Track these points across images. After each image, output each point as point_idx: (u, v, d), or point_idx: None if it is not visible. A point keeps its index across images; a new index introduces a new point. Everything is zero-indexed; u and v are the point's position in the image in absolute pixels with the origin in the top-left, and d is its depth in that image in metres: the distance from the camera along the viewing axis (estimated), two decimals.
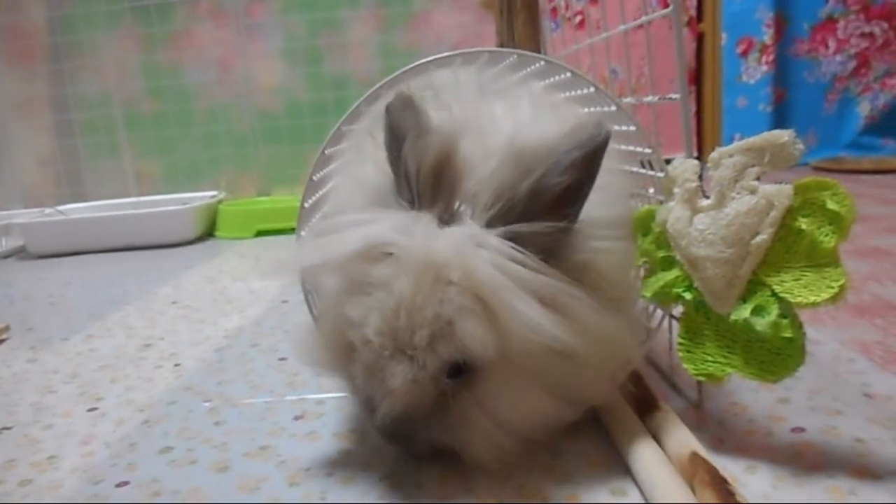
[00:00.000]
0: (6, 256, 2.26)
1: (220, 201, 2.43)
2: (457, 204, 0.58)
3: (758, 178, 0.58)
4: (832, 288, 0.53)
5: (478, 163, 0.60)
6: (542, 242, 0.56)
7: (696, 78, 2.90)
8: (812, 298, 0.54)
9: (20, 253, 2.28)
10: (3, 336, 1.24)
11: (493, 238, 0.55)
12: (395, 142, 0.61)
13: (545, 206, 0.57)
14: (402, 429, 0.58)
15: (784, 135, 0.56)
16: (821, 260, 0.54)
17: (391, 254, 0.55)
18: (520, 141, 0.58)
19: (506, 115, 0.69)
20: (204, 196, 2.44)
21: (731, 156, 0.59)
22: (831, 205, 0.54)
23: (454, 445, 0.60)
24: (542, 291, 0.54)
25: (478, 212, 0.57)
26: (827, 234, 0.54)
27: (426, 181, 0.58)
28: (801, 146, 0.56)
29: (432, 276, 0.54)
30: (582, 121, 0.58)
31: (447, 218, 0.58)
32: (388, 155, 0.62)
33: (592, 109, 0.81)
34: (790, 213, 0.56)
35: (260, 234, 2.26)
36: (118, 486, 0.67)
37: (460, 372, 0.56)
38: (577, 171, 0.56)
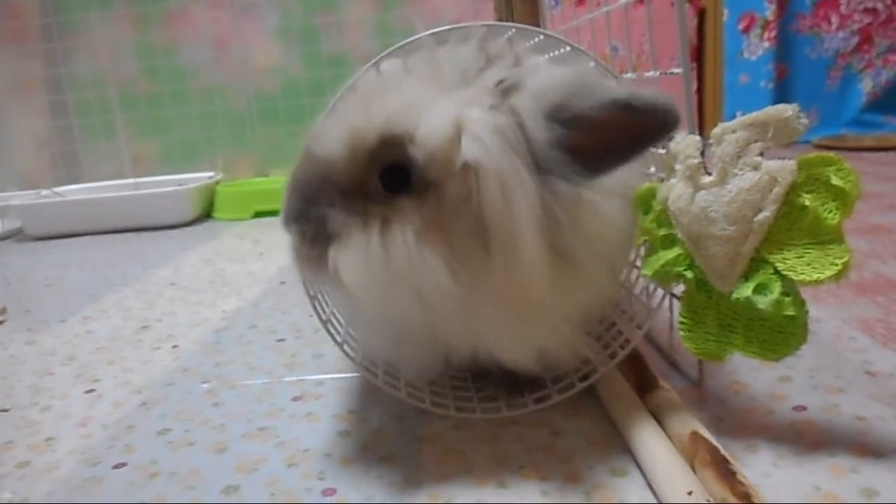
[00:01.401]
0: (3, 238, 2.25)
1: (217, 182, 2.41)
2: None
3: (761, 154, 0.57)
4: (836, 265, 0.52)
5: (544, 75, 0.59)
6: (548, 155, 0.54)
7: (698, 54, 2.87)
8: (815, 276, 0.53)
9: (17, 235, 2.27)
10: (0, 318, 1.24)
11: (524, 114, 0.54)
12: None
13: (571, 130, 0.54)
14: (306, 207, 0.57)
15: (788, 109, 0.55)
16: (824, 237, 0.53)
17: None
18: (584, 73, 0.58)
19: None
20: (201, 177, 2.42)
21: (733, 131, 0.58)
22: (836, 181, 0.53)
23: (336, 254, 0.56)
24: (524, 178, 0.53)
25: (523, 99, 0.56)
26: (831, 211, 0.53)
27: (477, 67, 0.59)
28: (804, 120, 0.55)
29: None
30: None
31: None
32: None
33: None
34: (794, 190, 0.55)
35: (258, 214, 2.25)
36: (116, 467, 0.66)
37: (395, 184, 0.55)
38: (610, 113, 0.53)
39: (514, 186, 0.52)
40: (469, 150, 0.52)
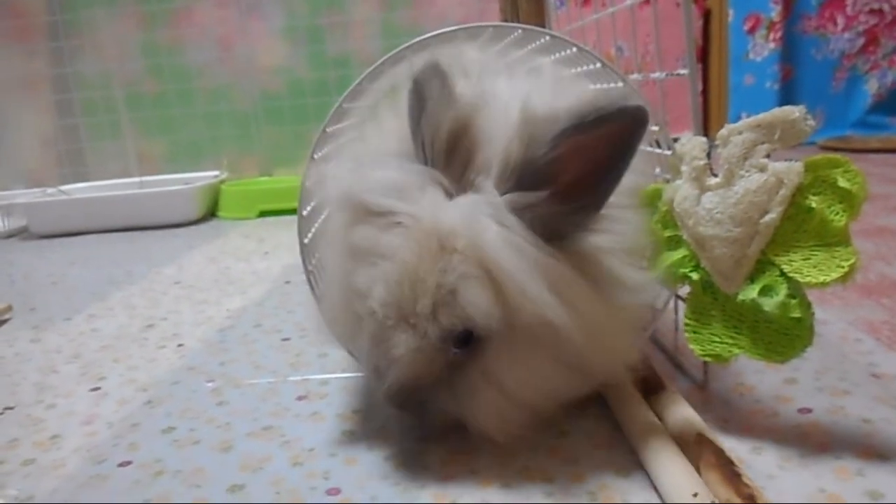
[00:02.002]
0: (9, 236, 2.26)
1: (222, 181, 2.42)
2: (471, 174, 0.57)
3: (767, 156, 0.56)
4: (842, 267, 0.52)
5: (494, 136, 0.58)
6: (546, 221, 0.55)
7: (703, 55, 2.86)
8: (821, 278, 0.53)
9: (23, 233, 2.28)
10: (6, 316, 1.24)
11: (500, 210, 0.54)
12: (418, 108, 0.60)
13: (544, 181, 0.55)
14: (410, 397, 0.57)
15: (795, 111, 0.55)
16: (831, 239, 0.53)
17: (399, 223, 0.55)
18: (530, 114, 0.57)
19: (524, 89, 0.68)
20: (206, 176, 2.43)
21: (740, 133, 0.58)
22: (842, 183, 0.53)
23: (462, 416, 0.59)
24: (543, 270, 0.53)
25: (487, 183, 0.56)
26: (837, 213, 0.53)
27: (441, 148, 0.57)
28: (811, 122, 0.55)
29: (436, 245, 0.53)
30: (601, 95, 0.57)
31: (457, 188, 0.57)
32: (410, 121, 0.62)
33: (600, 86, 0.79)
34: (800, 191, 0.55)
35: (263, 214, 2.25)
36: (121, 465, 0.66)
37: (468, 342, 0.56)
38: (566, 143, 0.53)
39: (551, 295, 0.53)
40: (516, 295, 0.53)
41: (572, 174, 0.55)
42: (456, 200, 0.55)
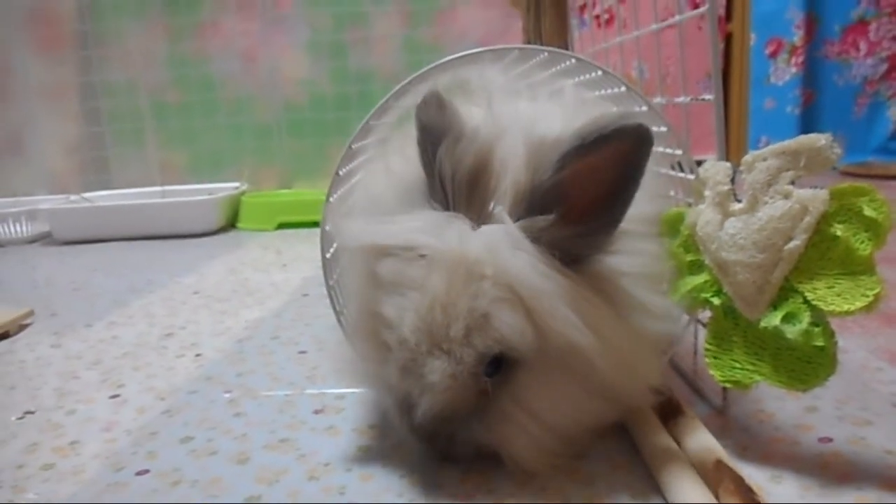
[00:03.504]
0: (31, 242, 2.29)
1: (242, 192, 2.44)
2: (490, 206, 0.58)
3: (792, 183, 0.56)
4: (867, 296, 0.52)
5: (509, 165, 0.59)
6: (560, 244, 0.55)
7: (724, 78, 2.85)
8: (846, 307, 0.52)
9: (45, 239, 2.31)
10: (27, 321, 1.26)
11: (519, 237, 0.55)
12: (430, 142, 0.60)
13: (553, 205, 0.55)
14: (442, 427, 0.57)
15: (821, 139, 0.55)
16: (856, 267, 0.53)
17: (424, 255, 0.55)
18: (536, 139, 0.57)
19: (540, 115, 0.68)
20: (228, 187, 2.45)
21: (764, 159, 0.58)
22: (868, 211, 0.53)
23: (495, 446, 0.59)
24: (565, 292, 0.54)
25: (503, 213, 0.57)
26: (863, 241, 0.53)
27: (461, 186, 0.58)
28: (838, 150, 0.55)
29: (465, 272, 0.54)
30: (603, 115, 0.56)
31: (481, 221, 0.57)
32: (422, 155, 0.62)
33: (622, 110, 0.80)
34: (825, 219, 0.54)
35: (281, 226, 2.27)
36: (138, 473, 0.67)
37: (499, 368, 0.56)
38: (570, 166, 0.54)
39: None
40: (545, 317, 0.53)
41: (581, 196, 0.55)
42: (479, 231, 0.56)
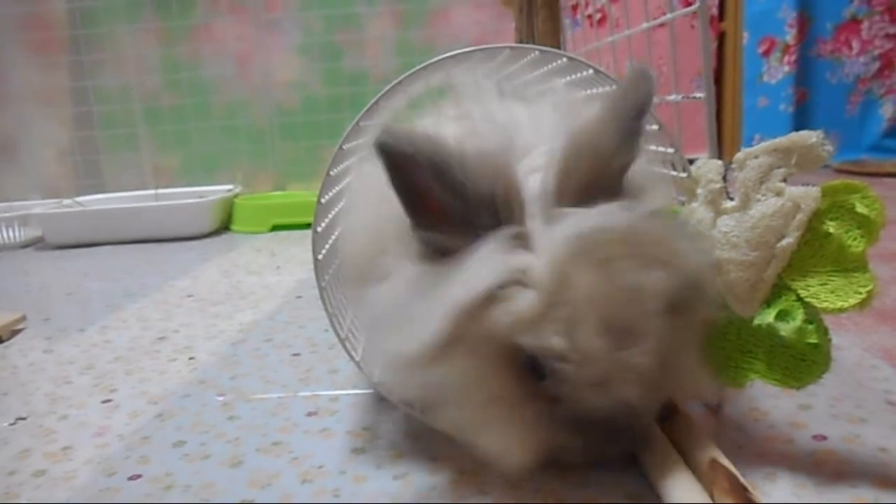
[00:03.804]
0: (24, 246, 2.28)
1: (236, 195, 2.44)
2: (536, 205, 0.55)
3: (784, 180, 0.56)
4: (860, 293, 0.52)
5: (526, 171, 0.58)
6: None
7: (717, 77, 2.86)
8: (839, 304, 0.52)
9: (38, 243, 2.30)
10: (20, 326, 1.25)
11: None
12: (435, 171, 0.53)
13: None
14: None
15: (812, 136, 0.55)
16: (849, 264, 0.53)
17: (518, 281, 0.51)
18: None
19: (531, 116, 0.68)
20: (220, 190, 2.45)
21: (756, 157, 0.58)
22: (860, 208, 0.53)
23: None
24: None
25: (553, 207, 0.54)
26: (855, 238, 0.53)
27: (505, 200, 0.53)
28: (829, 148, 0.55)
29: (594, 250, 0.50)
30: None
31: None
32: (402, 192, 0.55)
33: None
34: (817, 217, 0.54)
35: (275, 228, 2.26)
36: (131, 478, 0.66)
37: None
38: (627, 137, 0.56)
39: None
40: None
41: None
42: (566, 219, 0.52)
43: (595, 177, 0.54)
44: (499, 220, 0.53)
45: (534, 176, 0.57)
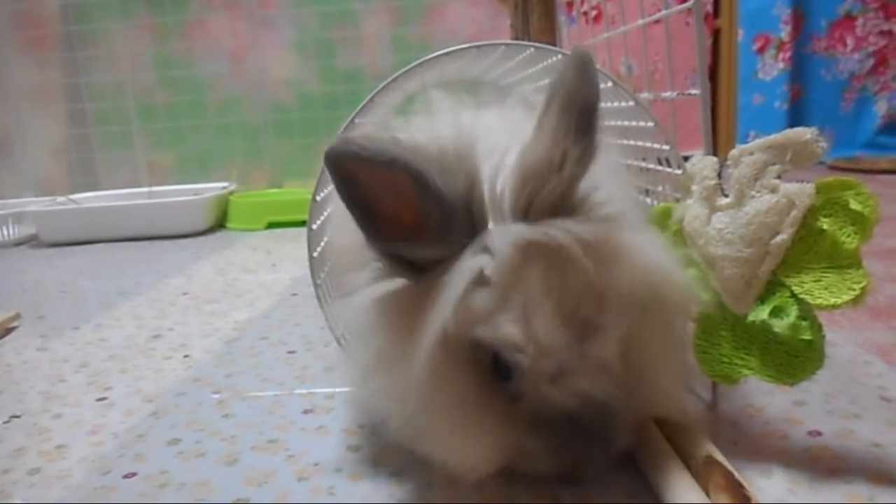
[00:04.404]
0: (18, 244, 2.27)
1: (231, 192, 2.43)
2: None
3: (779, 177, 0.56)
4: (853, 290, 0.52)
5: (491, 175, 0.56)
6: None
7: (712, 74, 2.86)
8: (833, 300, 0.52)
9: (32, 241, 2.29)
10: (14, 324, 1.25)
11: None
12: (415, 177, 0.50)
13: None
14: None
15: (806, 132, 0.55)
16: (842, 261, 0.53)
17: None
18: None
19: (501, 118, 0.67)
20: (215, 187, 2.44)
21: (751, 153, 0.58)
22: (854, 205, 0.53)
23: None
24: None
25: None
26: (849, 235, 0.53)
27: (478, 207, 0.53)
28: (823, 144, 0.55)
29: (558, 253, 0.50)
30: None
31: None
32: (357, 204, 0.53)
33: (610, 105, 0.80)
34: (812, 213, 0.55)
35: (271, 225, 2.26)
36: (126, 477, 0.66)
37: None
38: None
39: None
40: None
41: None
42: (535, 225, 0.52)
43: (550, 194, 0.52)
44: (473, 227, 0.52)
45: (496, 182, 0.55)
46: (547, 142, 0.53)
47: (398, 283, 0.55)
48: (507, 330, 0.50)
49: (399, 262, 0.54)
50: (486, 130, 0.65)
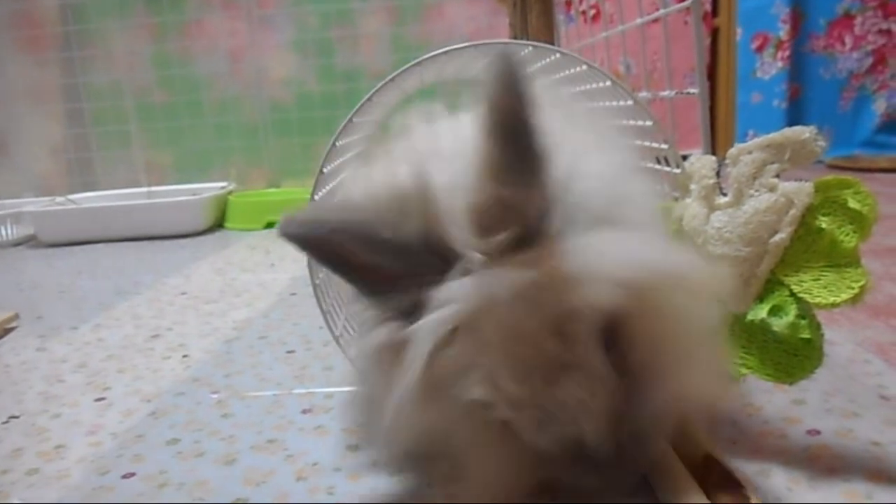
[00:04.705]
0: (17, 244, 2.27)
1: (229, 192, 2.43)
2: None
3: (777, 176, 0.56)
4: (852, 288, 0.52)
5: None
6: None
7: (711, 73, 2.87)
8: (832, 299, 0.52)
9: (31, 241, 2.29)
10: (12, 324, 1.25)
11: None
12: (364, 241, 0.50)
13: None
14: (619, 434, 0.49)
15: (805, 131, 0.55)
16: (841, 260, 0.53)
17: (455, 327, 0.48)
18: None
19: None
20: (214, 187, 2.44)
21: (749, 152, 0.58)
22: (853, 204, 0.53)
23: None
24: None
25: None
26: (848, 234, 0.53)
27: (437, 244, 0.50)
28: (822, 143, 0.55)
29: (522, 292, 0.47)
30: None
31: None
32: (335, 268, 0.52)
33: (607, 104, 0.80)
34: (810, 212, 0.55)
35: (270, 225, 2.26)
36: (124, 477, 0.66)
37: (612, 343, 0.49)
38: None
39: None
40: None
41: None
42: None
43: (507, 234, 0.48)
44: (443, 266, 0.49)
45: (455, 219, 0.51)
46: (490, 181, 0.49)
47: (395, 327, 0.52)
48: (476, 392, 0.48)
49: (385, 311, 0.53)
50: (451, 154, 0.59)
